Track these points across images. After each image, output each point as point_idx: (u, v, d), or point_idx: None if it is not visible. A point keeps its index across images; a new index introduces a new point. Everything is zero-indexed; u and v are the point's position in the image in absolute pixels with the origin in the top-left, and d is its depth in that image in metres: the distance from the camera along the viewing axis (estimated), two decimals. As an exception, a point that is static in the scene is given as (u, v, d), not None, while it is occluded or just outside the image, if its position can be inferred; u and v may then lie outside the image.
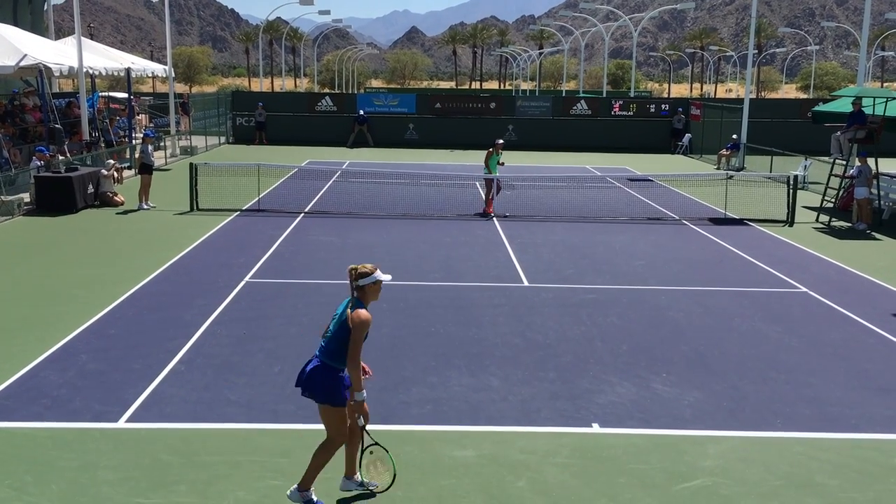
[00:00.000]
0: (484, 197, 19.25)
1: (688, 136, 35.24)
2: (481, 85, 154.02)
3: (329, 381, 5.68)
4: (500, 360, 8.93)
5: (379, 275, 5.76)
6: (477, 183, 22.64)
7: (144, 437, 6.91)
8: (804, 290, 12.30)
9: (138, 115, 33.78)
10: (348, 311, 5.65)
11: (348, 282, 5.79)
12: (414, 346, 9.31)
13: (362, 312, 5.61)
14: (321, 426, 7.15)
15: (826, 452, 6.86)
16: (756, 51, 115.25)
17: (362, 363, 5.82)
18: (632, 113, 37.34)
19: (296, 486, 5.88)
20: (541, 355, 9.11)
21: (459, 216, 18.21)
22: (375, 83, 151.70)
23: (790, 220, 18.08)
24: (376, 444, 6.04)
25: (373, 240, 15.34)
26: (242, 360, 8.77)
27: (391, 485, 6.00)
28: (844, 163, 19.69)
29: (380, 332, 9.81)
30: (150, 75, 32.80)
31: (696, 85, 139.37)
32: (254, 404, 7.61)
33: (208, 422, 7.22)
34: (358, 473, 6.04)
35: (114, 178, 18.99)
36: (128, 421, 7.21)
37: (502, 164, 18.86)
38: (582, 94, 53.60)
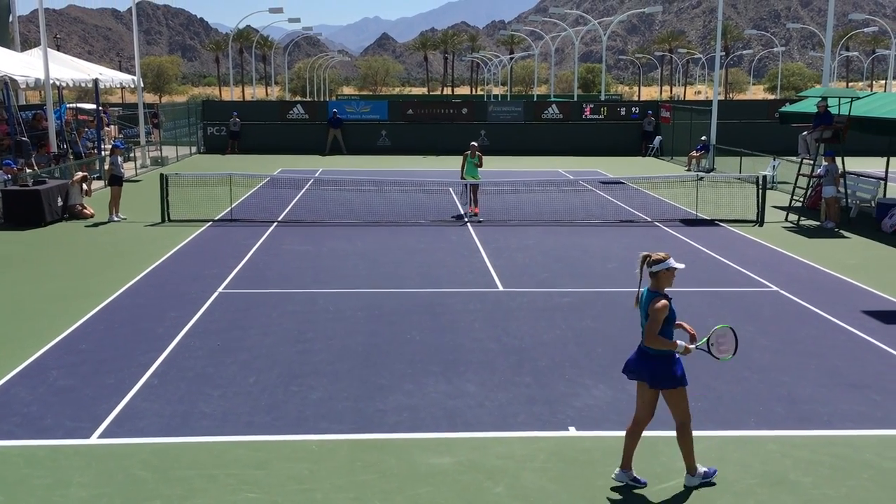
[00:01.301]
0: (458, 201, 19.24)
1: (658, 138, 35.54)
2: (453, 90, 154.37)
3: (660, 367, 6.03)
4: (476, 365, 8.93)
5: (672, 262, 6.08)
6: (451, 189, 22.66)
7: (118, 452, 6.83)
8: (775, 288, 12.44)
9: (107, 126, 33.40)
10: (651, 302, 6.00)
11: (638, 269, 6.14)
12: (390, 354, 9.29)
13: (658, 302, 5.94)
14: (297, 437, 7.18)
15: (799, 450, 6.94)
16: (723, 53, 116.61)
17: (685, 324, 6.27)
18: (603, 116, 37.61)
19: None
20: (516, 360, 9.12)
21: (433, 222, 18.21)
22: (347, 90, 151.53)
23: (760, 220, 18.29)
24: (707, 340, 6.24)
25: (347, 247, 15.29)
26: (216, 371, 8.69)
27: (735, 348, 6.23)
28: (812, 162, 19.96)
29: (355, 339, 9.79)
30: (118, 86, 32.51)
31: (666, 87, 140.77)
32: (229, 417, 7.55)
33: (182, 435, 7.15)
34: (632, 469, 6.23)
35: (82, 190, 18.76)
36: (100, 437, 7.12)
37: (479, 165, 18.88)
38: (553, 99, 53.86)
